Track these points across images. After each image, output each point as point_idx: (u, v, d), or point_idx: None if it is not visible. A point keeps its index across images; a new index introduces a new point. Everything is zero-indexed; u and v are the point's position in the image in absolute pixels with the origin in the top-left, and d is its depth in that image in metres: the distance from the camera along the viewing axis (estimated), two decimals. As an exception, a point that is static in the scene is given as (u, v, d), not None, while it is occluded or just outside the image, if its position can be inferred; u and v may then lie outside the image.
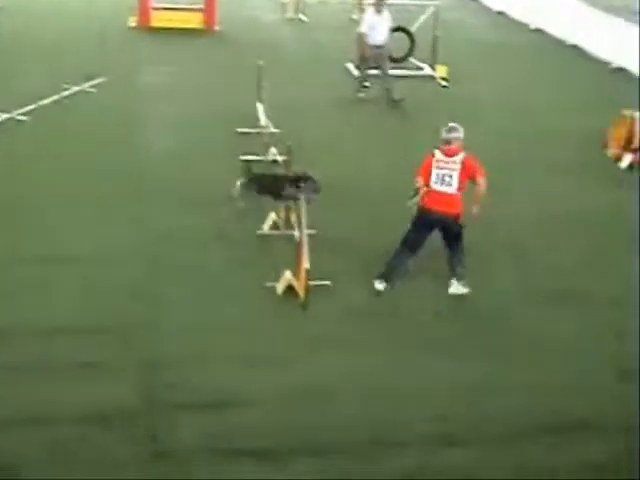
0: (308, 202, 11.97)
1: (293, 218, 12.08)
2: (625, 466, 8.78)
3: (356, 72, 20.90)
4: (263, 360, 10.07)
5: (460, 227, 11.55)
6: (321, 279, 11.31)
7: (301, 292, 11.14)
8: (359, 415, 9.22)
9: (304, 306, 11.06)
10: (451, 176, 11.36)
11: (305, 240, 11.03)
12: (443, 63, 21.55)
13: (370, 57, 19.38)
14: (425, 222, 11.55)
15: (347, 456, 8.64)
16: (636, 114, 17.01)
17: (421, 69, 21.61)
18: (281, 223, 12.70)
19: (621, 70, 23.67)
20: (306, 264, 10.88)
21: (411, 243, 11.64)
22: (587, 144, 17.64)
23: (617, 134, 17.24)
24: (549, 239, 13.50)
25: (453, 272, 11.72)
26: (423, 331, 10.90)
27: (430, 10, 22.28)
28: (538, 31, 28.05)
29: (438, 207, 11.40)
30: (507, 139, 17.80)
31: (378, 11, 19.33)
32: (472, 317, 11.33)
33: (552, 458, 8.82)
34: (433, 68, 21.63)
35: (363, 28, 19.33)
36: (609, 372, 10.31)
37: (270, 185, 12.70)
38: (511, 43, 26.43)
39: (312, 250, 11.04)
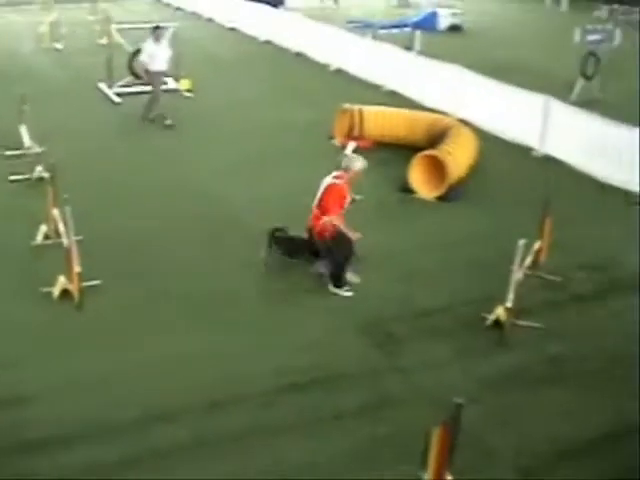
0: None
1: (61, 227, 11.60)
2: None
3: (108, 90, 20.57)
4: (43, 358, 9.71)
5: (321, 243, 11.25)
6: (92, 279, 11.01)
7: (75, 294, 10.80)
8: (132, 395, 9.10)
9: (79, 306, 10.74)
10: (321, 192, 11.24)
11: (74, 246, 10.69)
12: (186, 77, 21.36)
13: (156, 81, 18.59)
14: None
15: (122, 434, 8.50)
16: (355, 107, 17.42)
17: (166, 83, 21.24)
18: (52, 233, 12.19)
19: (339, 71, 24.17)
20: (77, 268, 10.60)
21: None
22: (316, 134, 17.97)
23: (341, 125, 17.61)
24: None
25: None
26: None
27: (170, 31, 21.93)
28: (268, 43, 28.27)
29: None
30: (247, 135, 17.94)
31: (157, 39, 18.51)
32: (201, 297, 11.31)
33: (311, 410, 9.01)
34: (178, 82, 21.36)
35: (143, 57, 18.55)
36: (350, 330, 10.59)
37: (298, 247, 11.86)
38: (244, 54, 26.53)
39: (82, 254, 10.74)
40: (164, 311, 10.85)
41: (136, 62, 19.08)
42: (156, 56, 18.45)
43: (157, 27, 18.65)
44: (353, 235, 11.17)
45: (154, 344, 10.08)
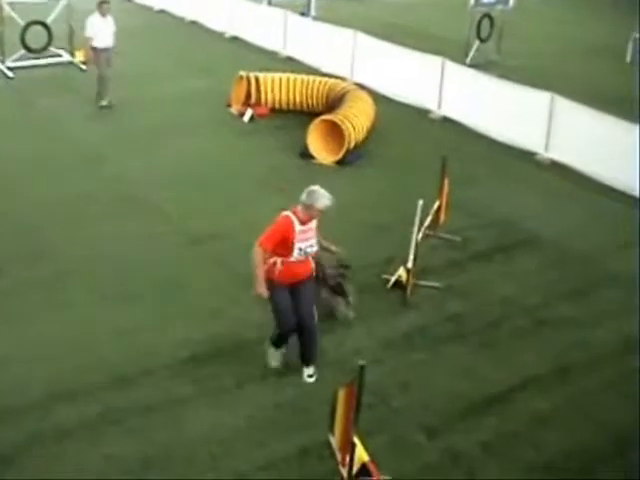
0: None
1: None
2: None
3: (0, 65, 19.98)
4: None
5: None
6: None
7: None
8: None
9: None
10: None
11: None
12: (81, 48, 20.82)
13: (100, 60, 17.37)
14: None
15: (24, 415, 8.30)
16: (251, 74, 17.32)
17: (60, 56, 20.78)
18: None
19: (235, 38, 23.97)
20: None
21: None
22: (213, 103, 17.79)
23: (237, 93, 17.50)
24: (183, 188, 13.66)
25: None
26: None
27: (63, 3, 21.37)
28: (162, 12, 27.84)
29: None
30: (143, 106, 17.66)
31: (103, 14, 17.33)
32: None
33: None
34: (72, 54, 20.86)
35: (89, 32, 17.26)
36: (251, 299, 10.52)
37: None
38: (139, 24, 26.00)
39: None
40: (65, 290, 10.60)
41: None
42: (102, 32, 17.32)
43: (103, 1, 17.46)
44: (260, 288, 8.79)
45: (55, 323, 9.87)
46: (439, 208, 11.91)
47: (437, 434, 8.33)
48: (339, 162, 14.76)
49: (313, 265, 9.02)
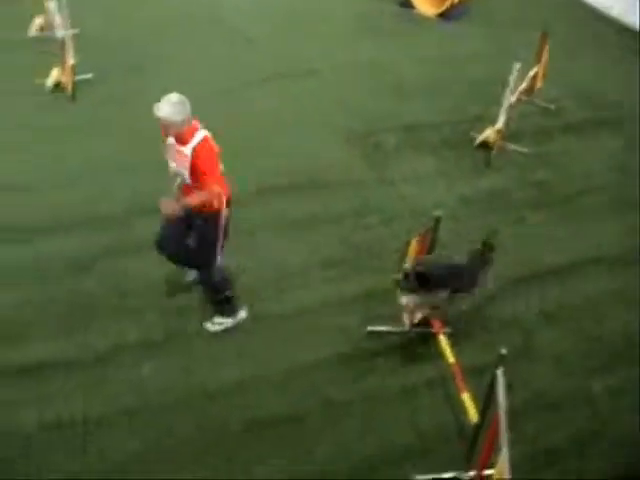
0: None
1: (57, 19, 11.22)
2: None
3: None
4: (40, 147, 9.74)
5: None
6: (85, 73, 10.96)
7: (68, 86, 10.78)
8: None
9: (73, 97, 10.75)
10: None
11: (69, 38, 10.57)
12: None
13: None
14: None
15: (107, 226, 8.53)
16: None
17: None
18: (46, 25, 11.90)
19: None
20: (71, 60, 10.56)
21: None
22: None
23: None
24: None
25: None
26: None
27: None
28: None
29: None
30: None
31: None
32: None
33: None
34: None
35: None
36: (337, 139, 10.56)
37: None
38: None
39: (77, 48, 10.65)
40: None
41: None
42: None
43: None
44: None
45: (140, 134, 9.62)
46: (536, 74, 11.65)
47: (496, 299, 8.26)
48: (441, 15, 14.32)
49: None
